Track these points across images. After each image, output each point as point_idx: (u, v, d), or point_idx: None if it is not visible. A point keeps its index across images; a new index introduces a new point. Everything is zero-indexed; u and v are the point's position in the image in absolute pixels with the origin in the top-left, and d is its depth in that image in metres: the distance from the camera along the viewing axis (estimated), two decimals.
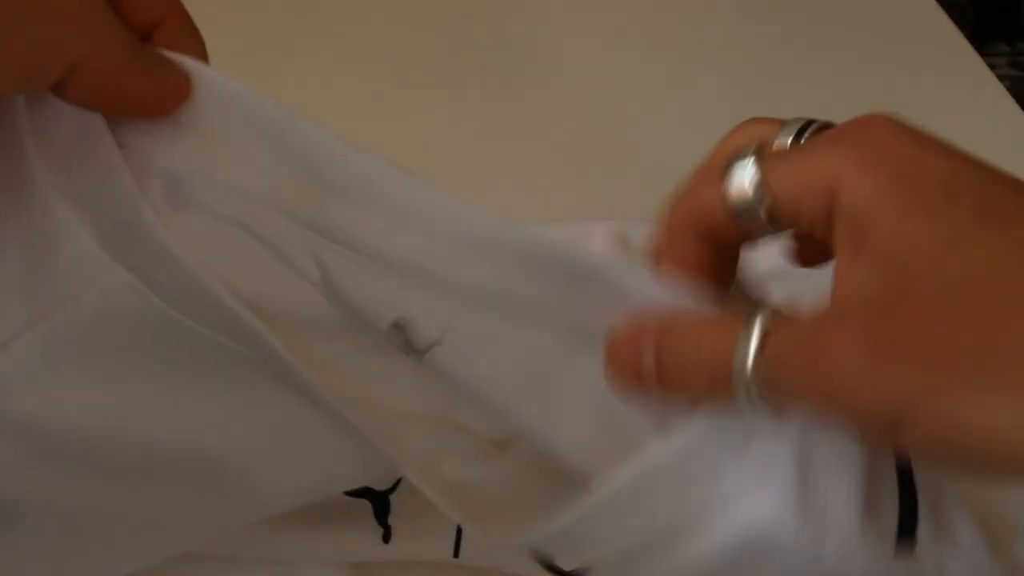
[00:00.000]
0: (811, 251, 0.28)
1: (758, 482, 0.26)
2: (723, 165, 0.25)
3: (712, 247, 0.26)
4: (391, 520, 0.35)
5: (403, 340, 0.28)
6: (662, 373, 0.25)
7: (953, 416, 0.20)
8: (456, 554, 0.34)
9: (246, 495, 0.30)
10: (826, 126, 0.26)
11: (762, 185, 0.25)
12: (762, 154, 0.25)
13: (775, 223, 0.25)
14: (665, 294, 0.26)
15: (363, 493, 0.34)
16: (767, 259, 0.30)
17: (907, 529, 0.27)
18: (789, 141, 0.26)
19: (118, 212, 0.26)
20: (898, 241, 0.22)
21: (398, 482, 0.34)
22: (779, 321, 0.23)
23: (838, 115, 0.26)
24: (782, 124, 0.27)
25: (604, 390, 0.26)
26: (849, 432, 0.24)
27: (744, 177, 0.25)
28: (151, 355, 0.27)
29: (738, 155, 0.25)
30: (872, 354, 0.21)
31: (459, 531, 0.35)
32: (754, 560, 0.27)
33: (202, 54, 0.27)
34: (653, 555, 0.28)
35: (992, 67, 0.63)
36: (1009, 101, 0.60)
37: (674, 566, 0.27)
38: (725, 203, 0.25)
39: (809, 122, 0.26)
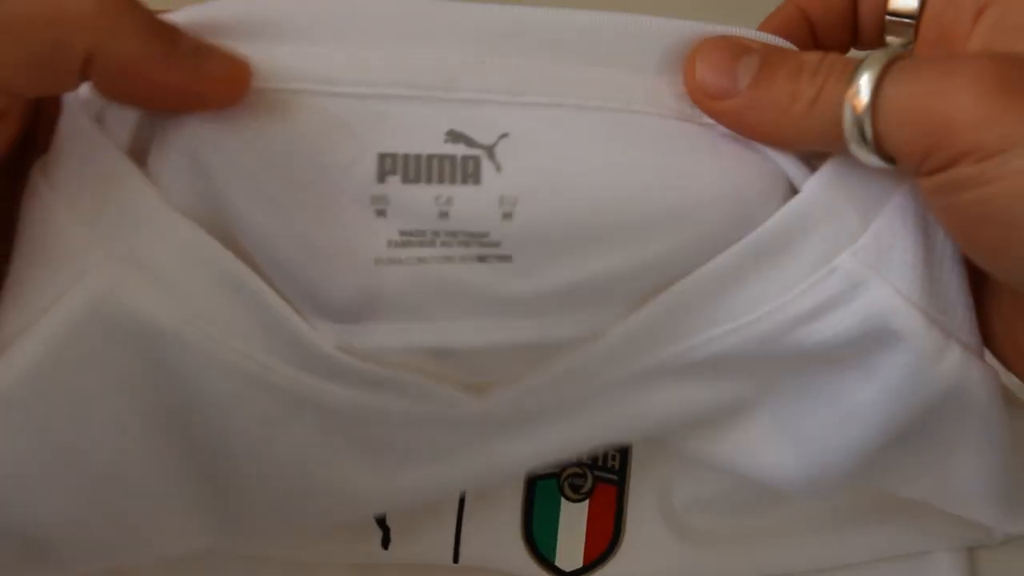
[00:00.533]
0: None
1: (880, 264, 0.25)
2: None
3: (809, 24, 0.28)
4: (389, 522, 0.35)
5: (466, 141, 0.25)
6: (770, 85, 0.25)
7: None
8: (456, 559, 0.35)
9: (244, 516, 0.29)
10: None
11: None
12: None
13: None
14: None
15: None
16: None
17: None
18: None
19: (99, 180, 0.24)
20: None
21: None
22: (898, 58, 0.24)
23: None
24: None
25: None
26: (943, 180, 0.23)
27: None
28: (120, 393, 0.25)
29: None
30: (997, 94, 0.22)
31: (458, 535, 0.35)
32: (872, 349, 0.26)
33: None
34: (762, 339, 0.26)
35: None
36: None
37: (789, 344, 0.26)
38: None
39: None
